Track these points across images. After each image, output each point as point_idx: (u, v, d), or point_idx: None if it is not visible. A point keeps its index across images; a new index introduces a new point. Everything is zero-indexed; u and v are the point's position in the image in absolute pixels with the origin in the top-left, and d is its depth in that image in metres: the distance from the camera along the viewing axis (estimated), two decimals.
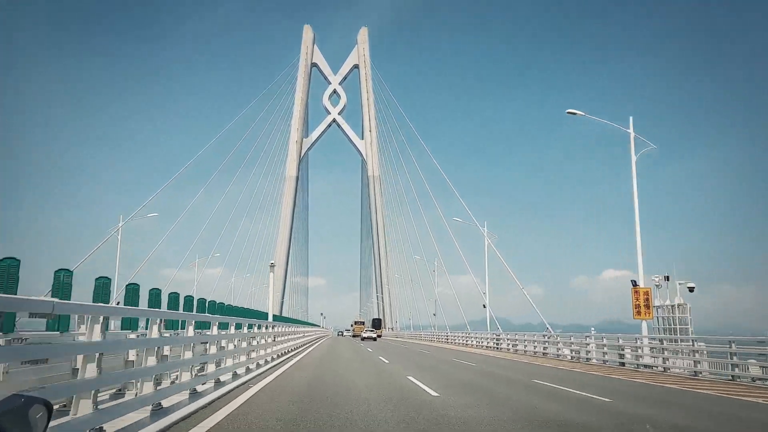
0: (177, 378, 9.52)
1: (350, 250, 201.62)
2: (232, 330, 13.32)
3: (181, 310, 10.99)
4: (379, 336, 79.33)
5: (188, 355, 9.58)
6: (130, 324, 10.77)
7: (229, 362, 12.93)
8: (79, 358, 6.14)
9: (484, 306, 52.12)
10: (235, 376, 13.28)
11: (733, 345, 18.19)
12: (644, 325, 24.92)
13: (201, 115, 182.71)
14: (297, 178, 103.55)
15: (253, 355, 16.45)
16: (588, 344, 27.45)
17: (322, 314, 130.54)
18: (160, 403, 8.15)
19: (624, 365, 23.92)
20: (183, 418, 8.01)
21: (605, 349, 26.15)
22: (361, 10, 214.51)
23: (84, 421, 5.68)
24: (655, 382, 17.29)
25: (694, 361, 20.21)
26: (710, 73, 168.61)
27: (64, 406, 6.76)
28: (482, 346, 43.79)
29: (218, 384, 11.46)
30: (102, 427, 6.07)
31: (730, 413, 11.28)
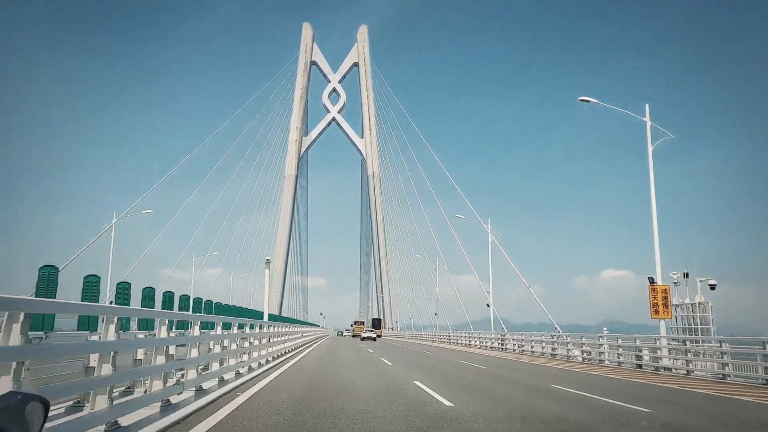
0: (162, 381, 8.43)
1: (350, 250, 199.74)
2: (219, 331, 11.88)
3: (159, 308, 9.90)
4: (378, 336, 78.56)
5: (161, 359, 8.15)
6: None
7: (215, 366, 11.48)
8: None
9: (488, 305, 50.67)
10: (222, 382, 11.82)
11: (767, 346, 16.74)
12: (662, 324, 23.47)
13: (201, 115, 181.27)
14: (296, 177, 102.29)
15: (245, 358, 15.00)
16: (601, 345, 26.00)
17: (321, 314, 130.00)
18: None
19: (641, 367, 22.48)
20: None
21: (620, 350, 24.73)
22: (360, 10, 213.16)
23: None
24: (686, 387, 15.84)
25: (722, 364, 18.74)
26: (710, 73, 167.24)
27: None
28: (486, 347, 42.31)
29: (200, 392, 10.00)
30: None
31: None
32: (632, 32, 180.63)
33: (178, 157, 72.19)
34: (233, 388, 11.52)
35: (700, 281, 23.74)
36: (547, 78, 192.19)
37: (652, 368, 21.95)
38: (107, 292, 30.78)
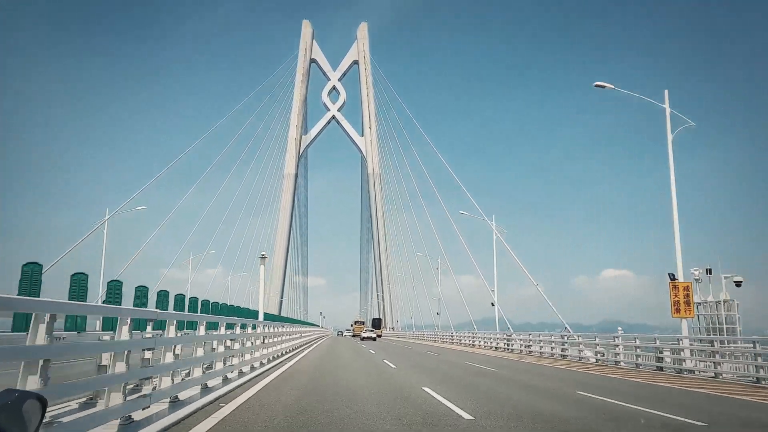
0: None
1: (350, 250, 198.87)
2: (202, 331, 10.39)
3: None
4: (378, 336, 78.02)
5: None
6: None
7: (197, 372, 9.99)
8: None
9: (492, 304, 49.23)
10: (205, 389, 10.33)
11: None
12: (684, 324, 21.99)
13: (201, 115, 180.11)
14: (296, 175, 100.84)
15: (235, 361, 13.51)
16: (617, 346, 24.52)
17: (321, 314, 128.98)
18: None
19: (662, 369, 21.02)
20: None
21: (638, 351, 23.26)
22: (360, 10, 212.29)
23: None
24: (724, 393, 14.34)
25: (756, 366, 17.26)
26: (710, 73, 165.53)
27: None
28: (491, 347, 40.79)
29: (174, 405, 8.50)
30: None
31: None
32: (632, 32, 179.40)
33: (178, 158, 70.55)
34: (215, 399, 10.02)
35: (725, 278, 22.20)
36: (547, 78, 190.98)
37: (674, 370, 20.51)
38: (99, 291, 29.46)
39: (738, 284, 22.06)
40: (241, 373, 13.94)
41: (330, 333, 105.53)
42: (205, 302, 15.12)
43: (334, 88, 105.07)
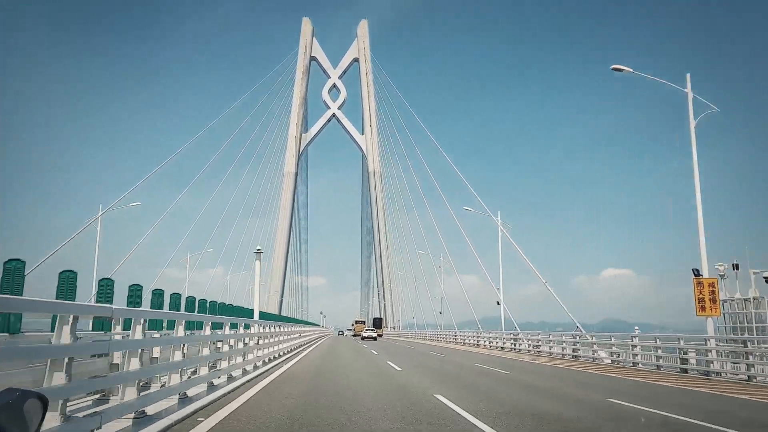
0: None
1: (351, 249, 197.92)
2: (181, 332, 8.94)
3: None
4: (379, 335, 77.35)
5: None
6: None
7: (175, 379, 8.55)
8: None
9: (498, 303, 47.81)
10: (184, 400, 8.87)
11: None
12: (710, 323, 20.52)
13: (201, 114, 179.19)
14: (296, 174, 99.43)
15: (224, 364, 12.06)
16: (635, 346, 23.07)
17: (322, 313, 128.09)
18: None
19: (687, 372, 19.56)
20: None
21: (659, 351, 21.81)
22: (361, 9, 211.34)
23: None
24: None
25: None
26: (710, 73, 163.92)
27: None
28: (497, 347, 39.31)
29: (141, 421, 7.06)
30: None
31: None
32: (632, 32, 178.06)
33: (178, 157, 69.28)
34: (197, 409, 8.56)
35: (754, 273, 20.70)
36: (547, 78, 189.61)
37: (700, 373, 19.05)
38: (93, 289, 28.12)
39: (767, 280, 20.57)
40: (230, 377, 12.46)
41: (331, 332, 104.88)
42: (189, 299, 13.68)
43: (334, 86, 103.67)
